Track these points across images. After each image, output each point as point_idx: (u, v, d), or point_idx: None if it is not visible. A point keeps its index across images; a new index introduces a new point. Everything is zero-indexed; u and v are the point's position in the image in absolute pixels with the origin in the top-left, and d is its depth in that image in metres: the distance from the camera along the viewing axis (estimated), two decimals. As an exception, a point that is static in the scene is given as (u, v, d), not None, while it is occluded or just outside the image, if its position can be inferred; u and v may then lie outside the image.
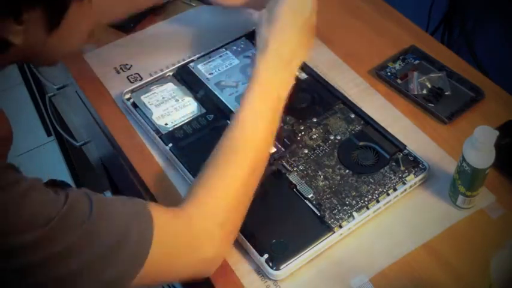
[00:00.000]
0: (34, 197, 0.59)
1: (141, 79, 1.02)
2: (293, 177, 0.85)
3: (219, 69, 1.01)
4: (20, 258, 0.57)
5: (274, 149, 0.88)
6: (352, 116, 0.92)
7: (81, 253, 0.60)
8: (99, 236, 0.62)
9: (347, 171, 0.85)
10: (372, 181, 0.84)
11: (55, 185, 0.68)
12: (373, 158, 0.87)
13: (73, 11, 0.65)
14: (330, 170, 0.86)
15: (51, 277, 0.59)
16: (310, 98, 0.95)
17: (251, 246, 0.78)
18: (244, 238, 0.78)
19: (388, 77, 1.00)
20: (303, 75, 0.99)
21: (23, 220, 0.58)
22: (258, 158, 0.77)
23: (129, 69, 1.04)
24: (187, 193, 0.74)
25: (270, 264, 0.76)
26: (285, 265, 0.76)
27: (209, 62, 1.02)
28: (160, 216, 0.68)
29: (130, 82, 1.02)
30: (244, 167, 0.75)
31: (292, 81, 0.82)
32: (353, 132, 0.90)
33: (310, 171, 0.85)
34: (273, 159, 0.87)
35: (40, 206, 0.59)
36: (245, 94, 0.79)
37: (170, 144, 0.89)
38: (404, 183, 0.83)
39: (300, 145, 0.89)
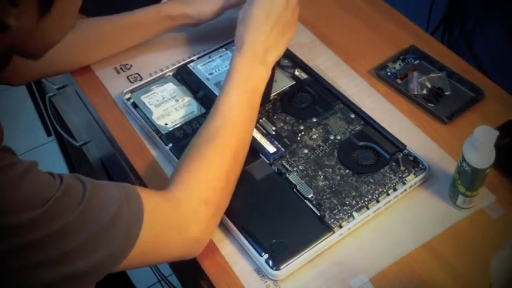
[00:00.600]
0: (30, 179, 0.60)
1: (141, 79, 1.02)
2: (293, 177, 0.85)
3: (219, 69, 1.01)
4: (17, 238, 0.58)
5: (274, 149, 0.88)
6: (352, 116, 0.92)
7: (76, 233, 0.62)
8: (92, 217, 0.64)
9: (347, 171, 0.85)
10: (372, 181, 0.84)
11: None
12: (373, 158, 0.87)
13: None
14: (330, 170, 0.86)
15: (47, 257, 0.60)
16: (310, 98, 0.95)
17: (251, 246, 0.78)
18: (244, 238, 0.78)
19: (388, 77, 1.00)
20: (303, 75, 0.99)
21: (20, 200, 0.59)
22: (238, 143, 0.81)
23: (129, 69, 1.04)
24: (173, 176, 0.77)
25: (270, 264, 0.76)
26: (285, 265, 0.76)
27: (209, 62, 1.02)
28: (150, 199, 0.70)
29: (130, 82, 1.02)
30: (225, 151, 0.79)
31: (268, 75, 0.86)
32: (353, 132, 0.90)
33: (310, 171, 0.86)
34: (273, 159, 0.87)
35: (37, 187, 0.61)
36: (222, 88, 0.84)
37: (170, 144, 0.89)
38: (404, 183, 0.83)
39: (300, 145, 0.89)
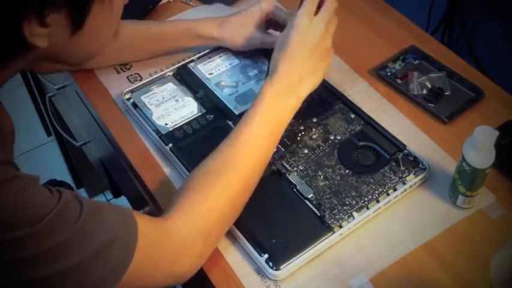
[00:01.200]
0: (29, 194, 0.60)
1: (141, 79, 1.02)
2: (293, 177, 0.85)
3: (219, 69, 1.01)
4: (10, 254, 0.58)
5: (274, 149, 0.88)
6: (352, 116, 0.92)
7: (68, 254, 0.61)
8: (87, 237, 0.63)
9: (347, 171, 0.85)
10: (372, 181, 0.84)
11: (54, 184, 0.68)
12: (373, 158, 0.87)
13: (95, 12, 0.66)
14: (330, 170, 0.86)
15: (36, 276, 0.59)
16: (310, 98, 0.95)
17: (251, 247, 0.78)
18: (244, 238, 0.78)
19: (388, 77, 1.00)
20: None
21: (17, 216, 0.58)
22: (248, 178, 0.77)
23: (129, 69, 1.04)
24: (174, 202, 0.74)
25: (270, 264, 0.76)
26: (285, 265, 0.76)
27: (209, 62, 1.02)
28: (145, 226, 0.68)
29: (130, 82, 1.02)
30: (233, 187, 0.75)
31: (298, 107, 0.83)
32: (353, 132, 0.90)
33: (310, 171, 0.85)
34: (273, 159, 0.87)
35: (35, 203, 0.60)
36: (246, 114, 0.80)
37: (170, 144, 0.89)
38: (404, 183, 0.83)
39: (300, 145, 0.89)
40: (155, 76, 1.00)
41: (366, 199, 0.82)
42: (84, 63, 0.75)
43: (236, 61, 1.02)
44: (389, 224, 0.82)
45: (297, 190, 0.83)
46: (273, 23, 0.98)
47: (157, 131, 0.92)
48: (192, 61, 1.02)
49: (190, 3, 1.16)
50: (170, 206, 0.74)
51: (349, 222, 0.80)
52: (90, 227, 0.63)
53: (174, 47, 1.02)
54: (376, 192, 0.83)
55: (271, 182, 0.84)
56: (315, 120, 0.92)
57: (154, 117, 0.93)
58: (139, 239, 0.66)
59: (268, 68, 0.85)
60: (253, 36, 0.97)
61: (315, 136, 0.90)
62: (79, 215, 0.62)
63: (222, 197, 0.74)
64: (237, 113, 0.93)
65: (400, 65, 1.02)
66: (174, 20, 0.82)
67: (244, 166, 0.77)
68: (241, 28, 0.97)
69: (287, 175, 0.85)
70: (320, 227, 0.79)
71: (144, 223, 0.68)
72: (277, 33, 0.97)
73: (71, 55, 0.71)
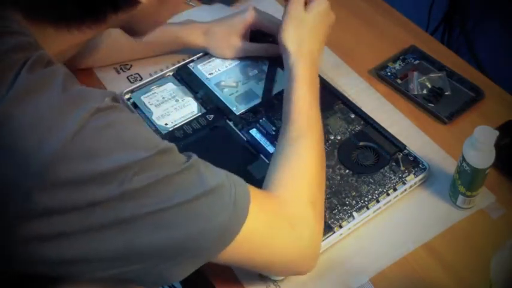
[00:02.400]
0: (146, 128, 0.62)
1: (141, 79, 1.02)
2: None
3: (219, 69, 1.01)
4: (125, 183, 0.57)
5: (274, 149, 0.88)
6: (352, 116, 0.92)
7: (178, 188, 0.59)
8: (196, 178, 0.62)
9: (347, 171, 0.85)
10: (372, 181, 0.84)
11: None
12: (373, 158, 0.87)
13: None
14: (330, 170, 0.86)
15: (142, 212, 0.57)
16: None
17: (251, 246, 0.77)
18: (244, 238, 0.78)
19: (388, 77, 1.00)
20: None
21: (140, 140, 0.59)
22: (320, 137, 0.80)
23: (129, 69, 1.04)
24: (269, 179, 0.74)
25: (270, 264, 0.76)
26: (285, 265, 0.76)
27: (209, 62, 1.02)
28: (257, 193, 0.67)
29: (130, 82, 1.02)
30: (315, 147, 0.77)
31: (318, 59, 0.87)
32: (353, 132, 0.90)
33: (310, 171, 0.85)
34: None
35: (152, 133, 0.62)
36: (295, 90, 0.81)
37: (170, 144, 0.89)
38: (404, 183, 0.83)
39: (300, 145, 0.89)
40: (155, 76, 1.00)
41: (366, 199, 0.82)
42: (145, 34, 0.77)
43: (236, 61, 1.02)
44: (389, 224, 0.81)
45: (297, 190, 0.83)
46: (260, 31, 1.01)
47: (157, 131, 0.92)
48: (192, 61, 1.02)
49: (191, 3, 1.16)
50: (267, 182, 0.74)
51: (349, 222, 0.80)
52: (201, 169, 0.63)
53: (162, 51, 1.04)
54: (376, 192, 0.83)
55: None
56: (315, 120, 0.92)
57: (154, 117, 0.93)
58: (252, 201, 0.64)
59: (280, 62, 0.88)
60: (237, 46, 1.00)
61: (315, 136, 0.90)
62: (188, 157, 0.63)
63: (309, 160, 0.75)
64: (237, 113, 0.93)
65: (400, 65, 1.02)
66: (162, 28, 0.84)
67: (314, 129, 0.79)
68: (225, 37, 1.00)
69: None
70: (320, 227, 0.79)
71: (254, 190, 0.67)
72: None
73: (147, 22, 0.74)
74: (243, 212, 0.63)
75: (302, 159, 0.75)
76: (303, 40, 0.86)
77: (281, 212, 0.69)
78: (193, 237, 0.60)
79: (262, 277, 0.77)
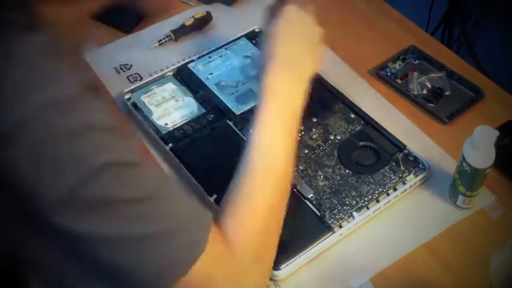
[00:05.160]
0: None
1: (141, 79, 1.02)
2: (293, 177, 0.85)
3: (219, 69, 1.01)
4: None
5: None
6: (352, 116, 0.92)
7: (139, 219, 0.58)
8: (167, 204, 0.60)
9: (347, 171, 0.85)
10: (372, 181, 0.84)
11: None
12: (373, 158, 0.87)
13: None
14: (330, 170, 0.86)
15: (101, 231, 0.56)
16: (310, 98, 0.95)
17: (251, 246, 0.77)
18: (244, 238, 0.78)
19: (388, 77, 1.00)
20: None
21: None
22: (282, 174, 0.73)
23: (129, 69, 1.04)
24: (223, 209, 0.69)
25: (270, 264, 0.76)
26: (285, 265, 0.76)
27: (209, 62, 1.02)
28: (214, 233, 0.64)
29: (130, 82, 1.02)
30: (272, 185, 0.71)
31: (304, 88, 0.79)
32: (353, 132, 0.90)
33: (310, 171, 0.86)
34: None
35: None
36: (259, 109, 0.75)
37: (170, 144, 0.89)
38: (404, 183, 0.83)
39: (300, 145, 0.89)
40: (155, 76, 1.00)
41: (366, 199, 0.82)
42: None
43: (236, 61, 1.02)
44: (389, 224, 0.81)
45: (297, 190, 0.83)
46: None
47: (157, 131, 0.92)
48: (192, 61, 1.02)
49: (190, 3, 1.16)
50: (222, 214, 0.69)
51: (349, 222, 0.80)
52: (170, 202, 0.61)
53: None
54: (376, 192, 0.83)
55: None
56: (315, 120, 0.92)
57: (154, 117, 0.93)
58: (207, 244, 0.61)
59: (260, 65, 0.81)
60: None
61: (315, 136, 0.90)
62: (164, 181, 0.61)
63: (264, 213, 0.69)
64: (237, 113, 0.93)
65: (400, 65, 1.02)
66: None
67: (278, 166, 0.72)
68: None
69: (287, 175, 0.85)
70: (320, 227, 0.79)
71: (214, 230, 0.63)
72: None
73: None
74: (192, 258, 0.60)
75: (256, 209, 0.69)
76: (271, 53, 0.79)
77: (228, 260, 0.65)
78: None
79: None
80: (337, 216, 0.80)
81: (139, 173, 0.59)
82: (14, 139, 0.52)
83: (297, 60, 0.80)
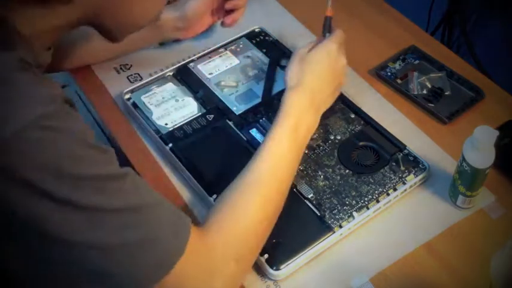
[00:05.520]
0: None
1: (141, 79, 1.02)
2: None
3: (219, 69, 1.01)
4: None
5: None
6: (352, 116, 0.92)
7: (120, 228, 0.59)
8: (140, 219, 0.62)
9: (347, 171, 0.85)
10: (372, 181, 0.84)
11: None
12: (373, 158, 0.87)
13: None
14: (330, 170, 0.86)
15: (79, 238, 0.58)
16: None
17: (251, 246, 0.78)
18: (244, 238, 0.78)
19: (388, 77, 1.00)
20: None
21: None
22: (280, 194, 0.76)
23: (129, 69, 1.04)
24: (209, 217, 0.72)
25: (270, 264, 0.76)
26: (285, 265, 0.76)
27: (209, 62, 1.02)
28: (194, 233, 0.66)
29: (130, 82, 1.02)
30: (268, 199, 0.74)
31: (317, 123, 0.84)
32: (353, 132, 0.90)
33: (310, 171, 0.86)
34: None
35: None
36: (274, 127, 0.79)
37: (170, 144, 0.89)
38: (404, 183, 0.83)
39: (300, 145, 0.89)
40: (155, 76, 1.00)
41: (366, 199, 0.82)
42: (119, 38, 0.75)
43: (236, 61, 1.02)
44: (389, 224, 0.82)
45: (297, 190, 0.83)
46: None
47: (157, 131, 0.92)
48: (192, 61, 1.02)
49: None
50: (206, 220, 0.71)
51: (349, 222, 0.80)
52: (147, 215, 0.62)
53: (134, 43, 1.01)
54: (376, 192, 0.83)
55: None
56: (315, 120, 0.92)
57: (154, 117, 0.93)
58: (186, 248, 0.64)
59: (284, 78, 0.86)
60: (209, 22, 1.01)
61: (315, 136, 0.90)
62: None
63: (254, 219, 0.72)
64: (237, 113, 0.93)
65: (400, 65, 1.02)
66: None
67: (275, 184, 0.75)
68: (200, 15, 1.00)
69: (287, 175, 0.85)
70: (320, 227, 0.79)
71: (193, 230, 0.66)
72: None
73: (115, 19, 0.71)
74: (171, 262, 0.63)
75: (247, 212, 0.72)
76: (302, 76, 0.83)
77: (205, 261, 0.67)
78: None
79: (262, 276, 0.77)
80: (337, 216, 0.80)
81: (120, 184, 0.61)
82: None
83: (319, 91, 0.84)
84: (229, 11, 1.00)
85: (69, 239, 0.57)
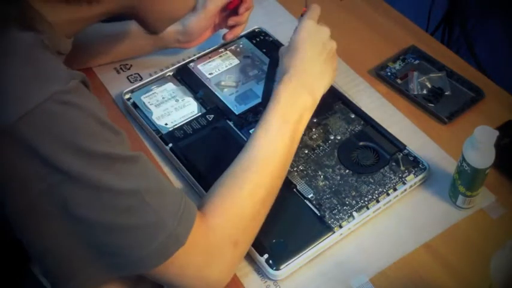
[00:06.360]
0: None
1: (141, 79, 1.02)
2: (293, 177, 0.85)
3: (219, 69, 1.01)
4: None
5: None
6: (352, 116, 0.92)
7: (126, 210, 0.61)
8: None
9: (347, 171, 0.85)
10: (372, 181, 0.84)
11: None
12: (373, 158, 0.87)
13: None
14: (330, 170, 0.86)
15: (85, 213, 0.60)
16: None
17: (251, 246, 0.77)
18: (244, 238, 0.78)
19: (388, 77, 1.00)
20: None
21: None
22: (273, 181, 0.76)
23: (129, 69, 1.05)
24: (207, 200, 0.73)
25: (270, 264, 0.76)
26: (285, 265, 0.76)
27: (209, 62, 1.02)
28: (197, 218, 0.68)
29: (130, 82, 1.02)
30: (259, 190, 0.74)
31: (314, 107, 0.83)
32: (353, 132, 0.90)
33: (310, 171, 0.86)
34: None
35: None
36: (264, 115, 0.79)
37: (170, 144, 0.89)
38: (404, 183, 0.83)
39: (300, 145, 0.89)
40: (155, 76, 1.00)
41: (366, 199, 0.82)
42: (159, 30, 0.78)
43: (236, 61, 1.02)
44: (389, 224, 0.82)
45: (297, 190, 0.83)
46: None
47: (157, 131, 0.92)
48: (192, 61, 1.02)
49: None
50: (204, 204, 0.73)
51: (349, 222, 0.80)
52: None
53: (134, 49, 1.03)
54: (376, 192, 0.83)
55: (271, 182, 0.84)
56: (315, 120, 0.92)
57: (154, 117, 0.93)
58: (191, 231, 0.66)
59: (276, 71, 0.85)
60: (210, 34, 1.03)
61: (315, 136, 0.90)
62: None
63: (249, 202, 0.73)
64: (237, 113, 0.93)
65: (400, 65, 1.02)
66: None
67: (268, 169, 0.76)
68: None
69: (287, 175, 0.85)
70: (320, 227, 0.79)
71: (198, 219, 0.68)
72: None
73: (156, 12, 0.73)
74: (174, 247, 0.64)
75: (242, 195, 0.73)
76: (289, 63, 0.83)
77: (203, 244, 0.68)
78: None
79: (262, 276, 0.77)
80: (337, 216, 0.80)
81: (131, 167, 0.62)
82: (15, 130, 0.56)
83: (311, 75, 0.83)
84: (231, 26, 1.01)
85: (76, 214, 0.59)
